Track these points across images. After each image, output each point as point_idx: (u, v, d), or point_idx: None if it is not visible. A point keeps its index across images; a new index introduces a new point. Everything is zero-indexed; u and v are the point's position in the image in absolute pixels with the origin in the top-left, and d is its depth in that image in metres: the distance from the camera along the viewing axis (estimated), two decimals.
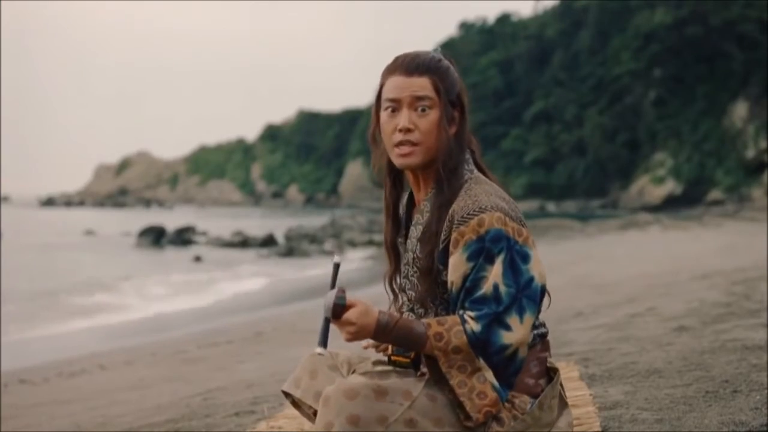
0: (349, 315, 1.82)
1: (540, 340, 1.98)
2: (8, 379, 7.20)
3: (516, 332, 1.83)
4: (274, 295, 14.72)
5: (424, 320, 1.87)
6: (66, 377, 7.15)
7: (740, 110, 52.32)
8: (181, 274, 18.98)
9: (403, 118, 1.94)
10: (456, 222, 1.88)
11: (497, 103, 68.46)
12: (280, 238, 30.06)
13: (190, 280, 17.63)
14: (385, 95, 1.98)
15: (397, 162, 1.98)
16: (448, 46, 72.82)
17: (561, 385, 2.02)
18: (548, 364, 1.99)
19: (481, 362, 1.83)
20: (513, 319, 1.83)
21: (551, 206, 57.50)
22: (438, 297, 1.96)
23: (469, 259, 1.85)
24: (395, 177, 2.07)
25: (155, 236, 30.50)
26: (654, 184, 54.45)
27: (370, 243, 27.62)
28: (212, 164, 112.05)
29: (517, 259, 1.85)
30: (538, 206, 56.46)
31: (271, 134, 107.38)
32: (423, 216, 1.98)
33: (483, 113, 65.10)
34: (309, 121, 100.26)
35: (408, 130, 1.93)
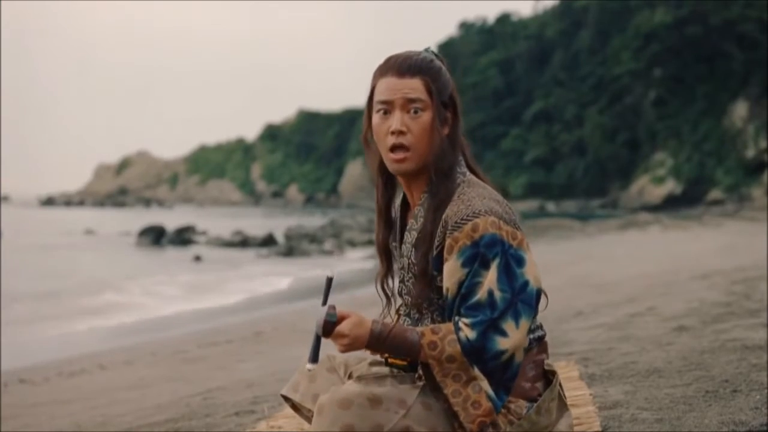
0: (342, 327, 1.82)
1: (537, 343, 1.95)
2: (8, 378, 7.19)
3: (512, 337, 1.81)
4: (298, 293, 14.52)
5: (418, 328, 1.86)
6: (66, 377, 7.15)
7: (740, 110, 52.32)
8: (203, 273, 18.94)
9: (396, 120, 1.92)
10: (450, 228, 1.86)
11: (497, 103, 68.47)
12: (279, 237, 30.06)
13: (206, 279, 17.54)
14: (377, 97, 1.96)
15: (391, 168, 1.96)
16: (448, 46, 73.16)
17: (560, 386, 2.00)
18: (546, 367, 1.97)
19: (476, 371, 1.81)
20: (509, 325, 1.81)
21: (551, 206, 57.49)
22: (434, 302, 1.94)
23: (464, 265, 1.83)
24: (387, 179, 2.05)
25: (155, 236, 30.50)
26: (654, 184, 54.44)
27: (370, 243, 27.57)
28: (212, 164, 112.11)
29: (512, 263, 1.83)
30: (538, 206, 56.46)
31: (271, 134, 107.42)
32: (417, 221, 1.96)
33: (483, 113, 65.13)
34: (309, 121, 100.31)
35: (400, 133, 1.91)
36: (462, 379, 1.81)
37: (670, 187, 53.55)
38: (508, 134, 66.09)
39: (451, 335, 1.82)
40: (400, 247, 2.02)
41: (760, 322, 4.39)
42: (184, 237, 30.94)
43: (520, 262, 1.85)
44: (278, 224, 37.34)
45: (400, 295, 2.04)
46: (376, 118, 1.96)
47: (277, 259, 23.95)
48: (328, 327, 1.82)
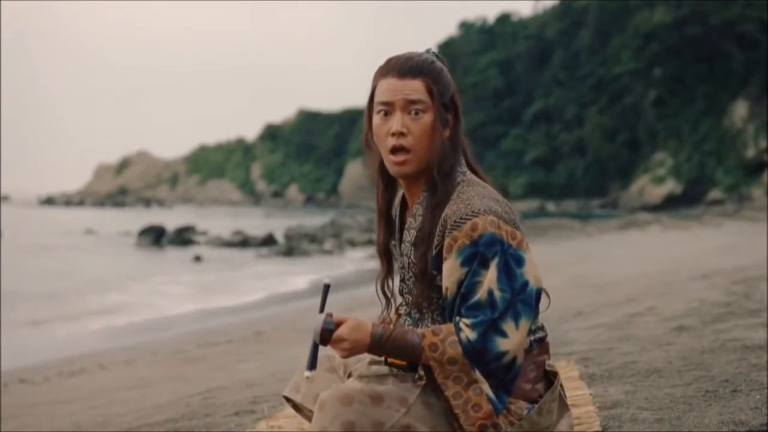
0: (341, 332, 1.81)
1: (538, 344, 1.95)
2: (8, 378, 7.19)
3: (512, 339, 1.81)
4: (298, 293, 14.43)
5: (418, 330, 1.86)
6: (66, 377, 7.15)
7: (740, 110, 52.31)
8: (204, 273, 18.95)
9: (396, 122, 1.91)
10: (449, 227, 1.85)
11: (497, 103, 68.47)
12: (279, 237, 30.06)
13: (206, 279, 17.56)
14: (377, 98, 1.95)
15: (392, 170, 1.95)
16: (448, 46, 73.14)
17: (561, 387, 2.00)
18: (547, 368, 1.96)
19: (477, 374, 1.81)
20: (509, 325, 1.81)
21: (551, 206, 57.49)
22: (434, 302, 1.94)
23: (463, 264, 1.82)
24: (388, 180, 2.04)
25: (155, 236, 30.48)
26: (654, 184, 54.44)
27: (370, 242, 27.57)
28: (212, 164, 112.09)
29: (511, 262, 1.83)
30: (538, 206, 56.46)
31: (271, 134, 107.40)
32: (416, 220, 1.96)
33: (483, 113, 65.13)
34: (309, 121, 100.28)
35: (401, 134, 1.90)
36: (463, 381, 1.81)
37: (670, 187, 53.55)
38: (508, 134, 66.08)
39: (452, 336, 1.81)
40: (400, 246, 2.02)
41: (760, 322, 4.39)
42: (184, 237, 30.92)
43: (520, 261, 1.84)
44: (278, 224, 37.35)
45: (401, 294, 2.04)
46: (376, 119, 1.95)
47: (277, 258, 23.96)
48: (326, 335, 1.81)
